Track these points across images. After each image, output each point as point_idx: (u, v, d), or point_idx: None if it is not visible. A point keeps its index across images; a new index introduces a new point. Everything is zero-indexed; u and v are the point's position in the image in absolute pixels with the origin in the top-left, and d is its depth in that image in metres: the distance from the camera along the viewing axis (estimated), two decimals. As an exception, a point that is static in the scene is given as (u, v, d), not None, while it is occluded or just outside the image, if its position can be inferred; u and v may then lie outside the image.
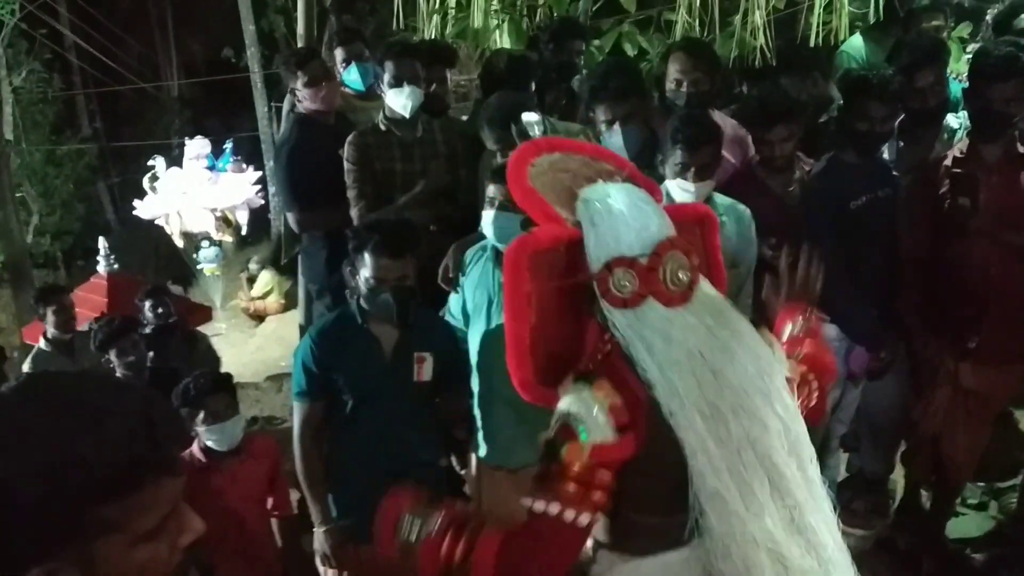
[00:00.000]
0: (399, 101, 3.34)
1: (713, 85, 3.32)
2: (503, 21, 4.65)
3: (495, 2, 4.66)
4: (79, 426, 0.87)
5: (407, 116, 3.36)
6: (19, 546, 0.85)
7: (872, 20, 3.86)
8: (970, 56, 3.62)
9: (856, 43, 4.13)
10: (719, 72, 3.42)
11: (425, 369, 2.69)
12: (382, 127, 3.43)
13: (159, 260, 13.05)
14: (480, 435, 2.98)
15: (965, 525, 3.40)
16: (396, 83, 3.32)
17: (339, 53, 3.91)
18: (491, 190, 2.58)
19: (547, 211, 1.49)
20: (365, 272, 2.56)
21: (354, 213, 3.39)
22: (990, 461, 3.43)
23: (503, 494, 2.98)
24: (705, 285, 1.47)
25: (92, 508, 0.87)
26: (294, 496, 3.15)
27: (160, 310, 4.36)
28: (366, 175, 3.38)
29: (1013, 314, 2.81)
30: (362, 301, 2.64)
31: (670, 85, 3.18)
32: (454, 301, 2.97)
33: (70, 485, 0.85)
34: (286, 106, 3.99)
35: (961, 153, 2.86)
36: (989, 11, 5.42)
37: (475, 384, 2.94)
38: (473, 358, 2.92)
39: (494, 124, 2.98)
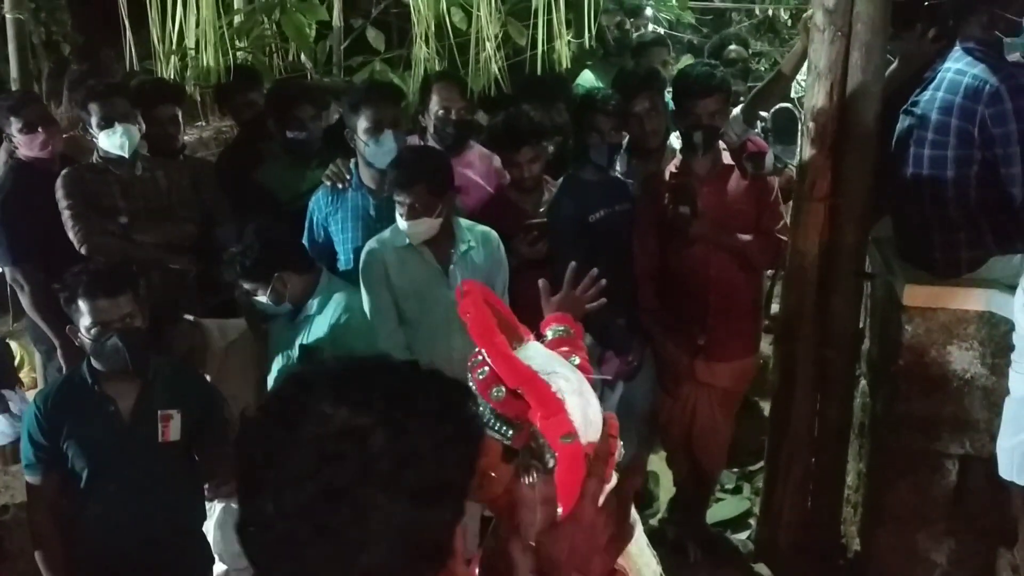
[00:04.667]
0: (114, 141, 3.15)
1: (473, 114, 3.44)
2: (247, 60, 4.53)
3: (240, 40, 4.54)
4: None
5: (126, 156, 3.18)
6: None
7: (587, 48, 4.17)
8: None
9: (588, 76, 4.49)
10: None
11: (172, 428, 2.46)
12: (98, 164, 3.23)
13: None
14: None
15: (724, 509, 3.69)
16: (107, 124, 3.13)
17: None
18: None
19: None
20: (84, 321, 2.32)
21: (76, 238, 3.12)
22: (740, 448, 3.75)
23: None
24: None
25: None
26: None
27: None
28: (86, 208, 3.15)
29: (733, 311, 3.10)
30: (92, 359, 2.40)
31: (437, 113, 3.24)
32: None
33: None
34: (2, 155, 3.65)
35: (676, 168, 3.13)
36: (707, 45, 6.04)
37: None
38: None
39: None
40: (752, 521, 3.57)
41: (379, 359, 0.87)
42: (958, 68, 2.58)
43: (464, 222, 2.92)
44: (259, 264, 2.65)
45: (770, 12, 8.43)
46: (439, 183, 2.75)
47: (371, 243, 2.84)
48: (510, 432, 1.50)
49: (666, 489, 3.76)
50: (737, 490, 3.83)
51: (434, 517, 0.76)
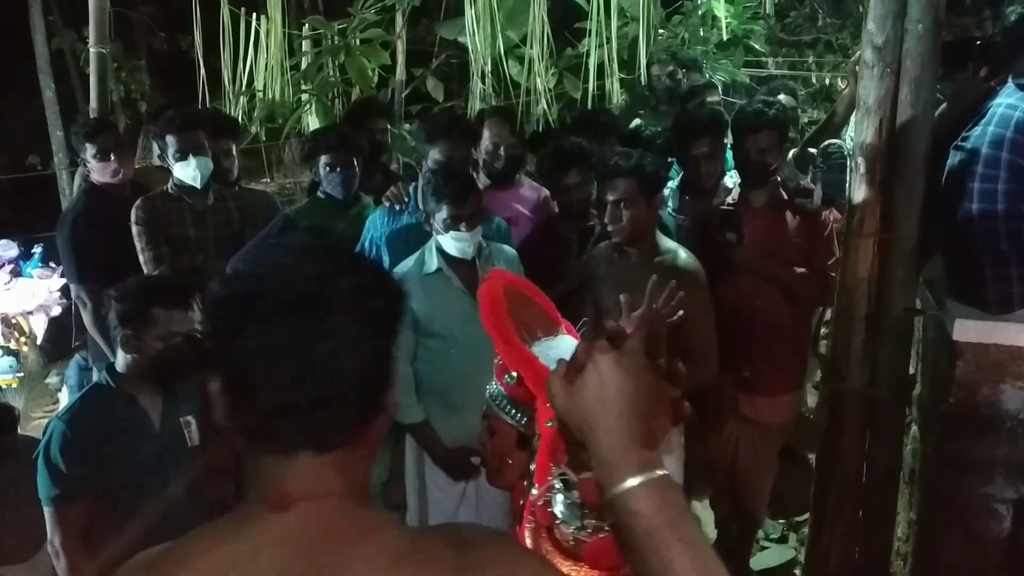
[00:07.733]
0: (187, 173, 3.32)
1: (522, 150, 3.53)
2: (310, 102, 4.72)
3: (305, 83, 4.74)
4: None
5: (198, 187, 3.34)
6: None
7: (639, 96, 4.25)
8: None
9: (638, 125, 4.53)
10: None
11: (193, 433, 2.54)
12: (172, 193, 3.38)
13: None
14: None
15: (769, 557, 3.60)
16: (182, 156, 3.29)
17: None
18: None
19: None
20: (157, 330, 2.39)
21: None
22: (787, 501, 3.65)
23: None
24: None
25: None
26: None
27: None
28: (158, 237, 3.28)
29: (778, 344, 3.06)
30: (139, 368, 2.46)
31: (487, 148, 3.34)
32: None
33: None
34: (77, 179, 3.85)
35: (733, 200, 3.16)
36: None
37: None
38: None
39: None
40: (797, 571, 3.45)
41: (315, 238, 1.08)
42: (1009, 103, 2.57)
43: (487, 241, 2.96)
44: None
45: (827, 81, 8.46)
46: (480, 195, 2.86)
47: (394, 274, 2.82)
48: (523, 418, 1.52)
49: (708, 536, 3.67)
50: (783, 540, 3.73)
51: (384, 341, 0.94)
